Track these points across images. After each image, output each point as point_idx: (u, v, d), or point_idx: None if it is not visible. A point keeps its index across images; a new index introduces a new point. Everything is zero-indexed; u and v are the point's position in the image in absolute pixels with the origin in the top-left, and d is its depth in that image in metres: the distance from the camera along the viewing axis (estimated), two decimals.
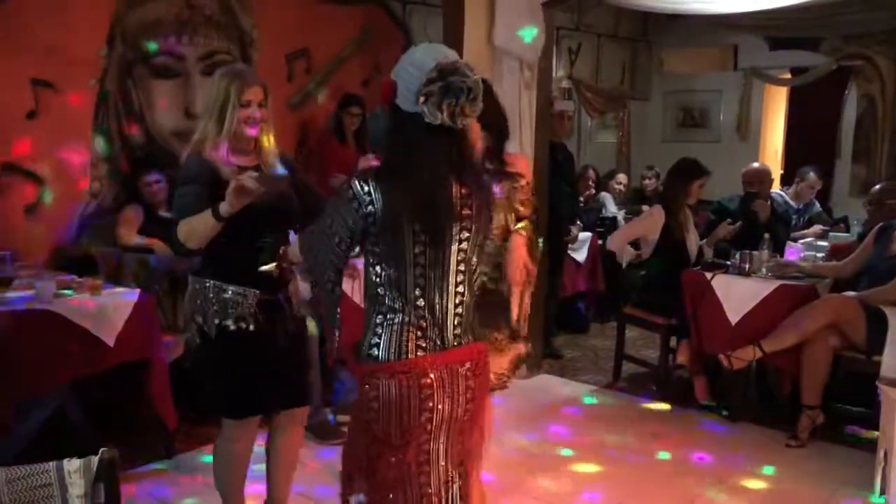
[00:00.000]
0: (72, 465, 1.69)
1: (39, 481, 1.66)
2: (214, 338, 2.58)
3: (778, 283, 4.14)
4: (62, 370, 3.22)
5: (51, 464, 1.68)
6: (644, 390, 4.82)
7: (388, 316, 1.83)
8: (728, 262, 4.39)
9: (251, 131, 2.55)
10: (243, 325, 2.57)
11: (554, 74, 6.45)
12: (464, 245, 1.88)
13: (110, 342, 3.30)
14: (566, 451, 3.91)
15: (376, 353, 1.81)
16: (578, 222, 5.94)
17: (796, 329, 3.95)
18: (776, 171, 7.51)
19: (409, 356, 1.80)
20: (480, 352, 1.93)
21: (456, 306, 1.88)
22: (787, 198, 5.96)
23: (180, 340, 3.83)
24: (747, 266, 4.26)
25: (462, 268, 1.88)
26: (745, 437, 4.13)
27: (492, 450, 3.78)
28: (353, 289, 3.14)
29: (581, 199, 6.52)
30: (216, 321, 2.56)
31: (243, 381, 2.62)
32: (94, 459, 1.70)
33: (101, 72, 4.35)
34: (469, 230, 1.88)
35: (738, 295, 4.20)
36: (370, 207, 1.79)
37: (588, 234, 6.19)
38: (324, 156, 5.24)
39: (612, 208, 6.92)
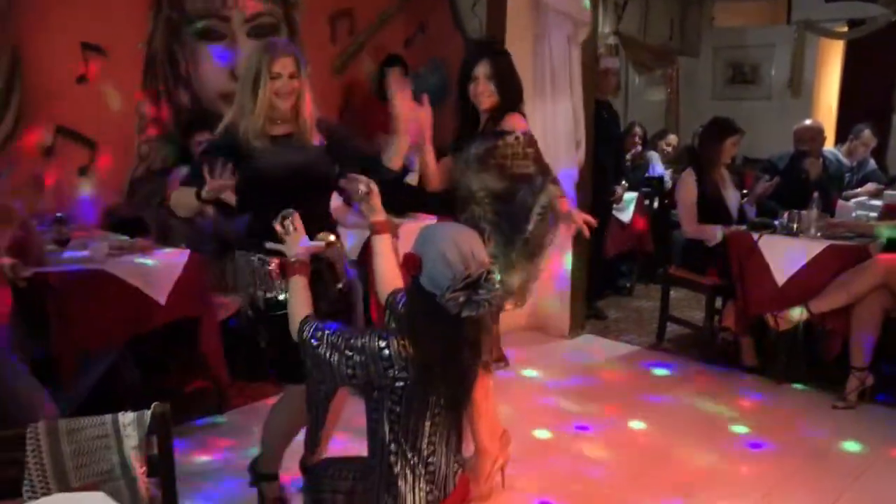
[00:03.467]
0: (126, 418, 1.76)
1: (97, 432, 1.73)
2: (264, 310, 2.64)
3: (827, 242, 4.06)
4: (117, 328, 3.33)
5: (107, 416, 1.75)
6: (688, 352, 4.79)
7: (402, 473, 1.92)
8: (776, 222, 4.32)
9: (284, 103, 2.60)
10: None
11: (600, 30, 6.34)
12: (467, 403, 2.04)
13: (162, 301, 3.40)
14: (607, 410, 3.93)
15: None
16: (624, 182, 5.88)
17: (846, 290, 3.88)
18: (830, 128, 7.31)
19: None
20: (463, 483, 2.07)
21: (455, 454, 2.03)
22: (840, 155, 5.81)
23: (231, 300, 3.93)
24: (795, 226, 4.19)
25: (464, 421, 2.04)
26: (792, 398, 4.10)
27: (535, 408, 3.87)
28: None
29: (627, 157, 6.44)
30: (263, 293, 2.62)
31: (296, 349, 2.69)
32: (147, 413, 1.77)
33: (147, 35, 4.40)
34: (472, 383, 2.02)
35: (785, 255, 4.13)
36: (403, 373, 1.86)
37: (634, 194, 6.12)
38: (367, 117, 5.25)
39: (659, 168, 6.81)
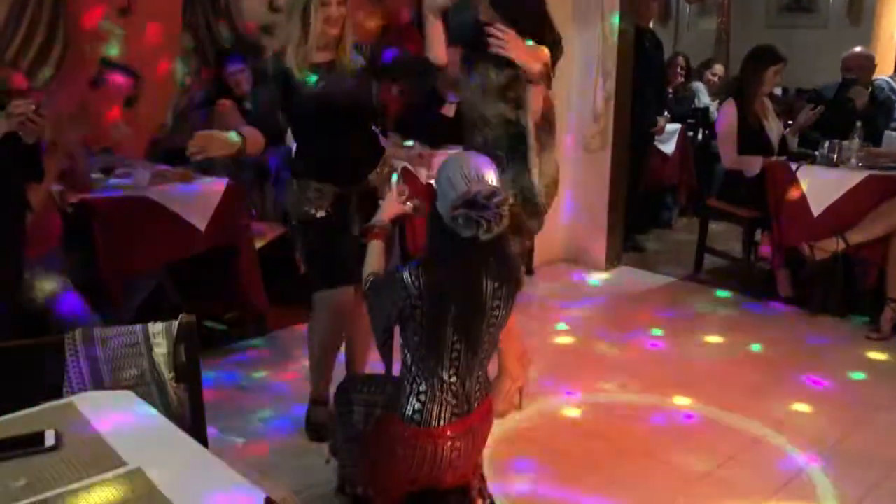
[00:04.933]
0: (155, 327, 1.88)
1: (128, 340, 1.86)
2: (300, 223, 2.81)
3: (866, 172, 3.97)
4: (159, 252, 3.47)
5: (137, 326, 1.88)
6: (725, 283, 4.78)
7: (426, 389, 2.01)
8: (815, 153, 4.23)
9: (333, 30, 2.68)
10: (322, 214, 2.78)
11: None
12: (492, 330, 2.06)
13: (201, 227, 3.53)
14: (637, 336, 3.98)
15: (419, 418, 2.02)
16: (666, 113, 5.78)
17: (884, 220, 3.83)
18: (891, 58, 7.02)
19: (443, 423, 2.01)
20: (487, 402, 2.14)
21: (479, 375, 2.09)
22: (895, 84, 5.60)
23: (268, 227, 4.06)
24: (836, 156, 4.10)
25: (487, 345, 2.07)
26: (826, 329, 4.08)
27: (561, 330, 3.93)
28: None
29: (670, 88, 6.31)
30: (304, 209, 2.78)
31: (327, 256, 2.83)
32: (175, 324, 1.89)
33: None
34: (497, 317, 2.05)
35: (823, 186, 4.07)
36: (419, 301, 1.93)
37: (676, 126, 6.02)
38: (404, 47, 5.23)
39: (704, 99, 6.66)
